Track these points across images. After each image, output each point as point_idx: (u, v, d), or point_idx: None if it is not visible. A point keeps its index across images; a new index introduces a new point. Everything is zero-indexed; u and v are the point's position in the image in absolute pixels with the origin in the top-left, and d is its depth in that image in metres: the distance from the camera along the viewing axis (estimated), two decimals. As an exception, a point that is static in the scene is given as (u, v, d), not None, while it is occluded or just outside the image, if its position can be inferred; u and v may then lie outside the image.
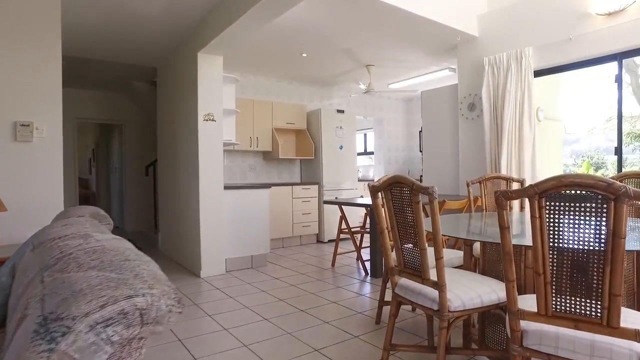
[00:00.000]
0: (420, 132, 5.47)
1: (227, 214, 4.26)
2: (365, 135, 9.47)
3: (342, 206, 4.10)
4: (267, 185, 4.57)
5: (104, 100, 7.17)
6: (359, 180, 8.37)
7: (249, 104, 5.67)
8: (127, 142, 7.44)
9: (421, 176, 5.95)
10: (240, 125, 5.57)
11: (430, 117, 5.24)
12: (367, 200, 4.19)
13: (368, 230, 4.22)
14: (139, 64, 5.34)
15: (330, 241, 6.08)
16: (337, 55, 5.17)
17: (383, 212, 1.95)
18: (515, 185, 3.28)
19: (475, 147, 4.57)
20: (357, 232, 4.42)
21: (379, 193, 1.93)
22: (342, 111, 6.30)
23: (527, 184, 3.23)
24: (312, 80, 6.49)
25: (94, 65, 5.42)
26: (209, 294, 3.53)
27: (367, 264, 4.20)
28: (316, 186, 6.00)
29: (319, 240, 6.11)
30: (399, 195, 1.83)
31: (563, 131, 5.96)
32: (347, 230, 4.32)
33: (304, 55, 5.13)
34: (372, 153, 8.78)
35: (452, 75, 6.02)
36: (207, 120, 4.03)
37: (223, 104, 4.24)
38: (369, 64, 5.65)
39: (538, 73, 4.02)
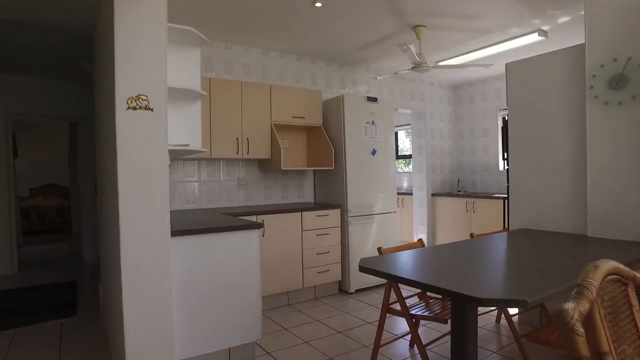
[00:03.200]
0: (503, 128, 3.47)
1: (182, 278, 2.33)
2: (396, 134, 7.44)
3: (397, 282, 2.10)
4: (255, 224, 2.61)
5: (47, 89, 5.31)
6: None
7: (234, 88, 3.72)
8: (81, 146, 5.57)
9: (506, 200, 3.75)
10: (221, 121, 3.63)
11: (522, 105, 3.21)
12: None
13: (447, 316, 2.20)
14: (66, 27, 3.44)
15: (358, 291, 4.10)
16: (369, 3, 3.18)
17: None
18: None
19: (631, 157, 2.54)
20: (416, 313, 2.40)
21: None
22: (375, 99, 4.30)
23: None
24: (329, 55, 4.52)
25: (6, 29, 3.56)
26: None
27: (441, 378, 2.20)
28: (337, 211, 4.02)
29: (342, 289, 4.13)
30: None
31: None
32: (401, 310, 2.32)
33: (318, 4, 3.16)
34: (407, 157, 6.77)
35: (541, 43, 3.98)
36: (133, 108, 2.09)
37: (170, 79, 2.30)
38: (417, 25, 3.65)
39: None
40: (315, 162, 4.33)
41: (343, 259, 4.05)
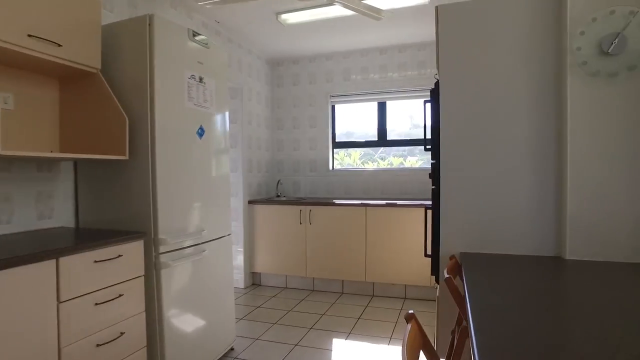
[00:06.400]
0: (427, 102, 2.32)
1: None
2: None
3: None
4: None
5: None
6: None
7: None
8: None
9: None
10: None
11: (462, 71, 2.15)
12: None
13: None
14: None
15: (177, 392, 2.17)
16: None
17: None
18: None
19: (629, 150, 1.81)
20: None
21: None
22: (206, 43, 2.47)
23: None
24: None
25: None
26: None
27: None
28: (137, 245, 2.00)
29: (145, 396, 2.11)
30: None
31: None
32: None
33: None
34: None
35: None
36: None
37: None
38: None
39: None
40: (83, 144, 2.13)
41: (151, 342, 2.06)
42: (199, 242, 2.36)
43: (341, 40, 4.12)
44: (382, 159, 4.62)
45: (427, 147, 2.33)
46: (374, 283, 3.88)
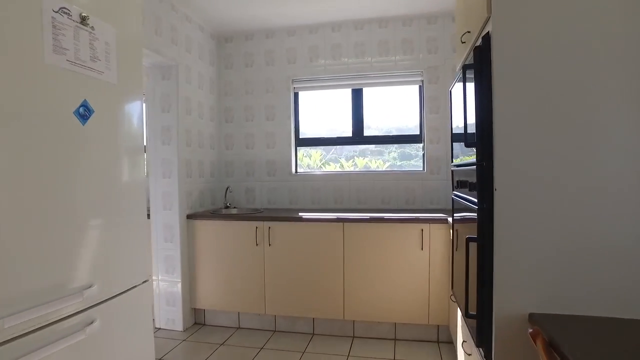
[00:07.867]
0: (467, 67, 1.48)
1: None
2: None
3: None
4: None
5: None
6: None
7: None
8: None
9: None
10: None
11: (533, 24, 1.31)
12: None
13: None
14: None
15: None
16: None
17: None
18: None
19: None
20: None
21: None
22: (92, -45, 1.45)
23: None
24: None
25: None
26: None
27: None
28: None
29: None
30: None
31: None
32: None
33: None
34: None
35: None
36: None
37: None
38: None
39: None
40: None
41: None
42: (82, 309, 1.34)
43: (307, 8, 3.21)
44: (343, 159, 3.76)
45: (469, 142, 1.46)
46: (354, 321, 3.00)
